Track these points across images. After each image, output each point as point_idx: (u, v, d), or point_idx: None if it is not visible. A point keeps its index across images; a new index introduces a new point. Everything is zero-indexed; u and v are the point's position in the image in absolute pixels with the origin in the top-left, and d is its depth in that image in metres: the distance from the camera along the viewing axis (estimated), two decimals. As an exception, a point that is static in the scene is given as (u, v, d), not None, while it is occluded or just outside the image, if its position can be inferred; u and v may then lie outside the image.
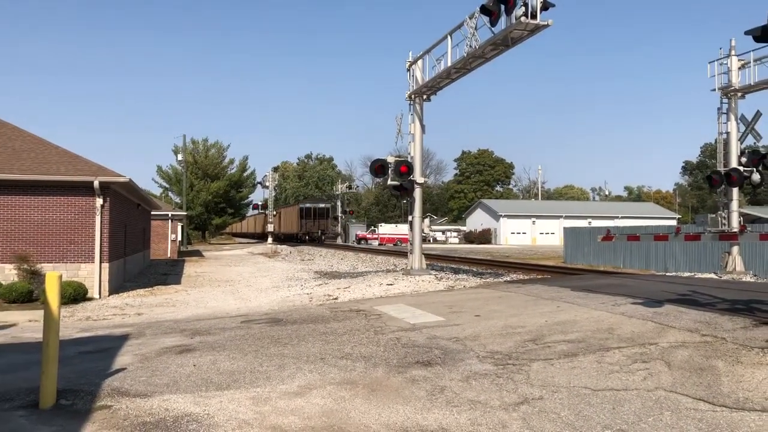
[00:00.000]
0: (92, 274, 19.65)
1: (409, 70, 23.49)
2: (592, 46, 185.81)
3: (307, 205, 64.91)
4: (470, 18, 18.68)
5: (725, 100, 22.95)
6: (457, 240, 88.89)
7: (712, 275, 22.40)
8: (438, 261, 36.62)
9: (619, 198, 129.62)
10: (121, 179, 19.97)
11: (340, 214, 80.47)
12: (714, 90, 23.17)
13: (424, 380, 7.78)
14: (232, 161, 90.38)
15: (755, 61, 21.94)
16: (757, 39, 9.35)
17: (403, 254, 32.38)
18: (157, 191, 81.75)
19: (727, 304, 12.65)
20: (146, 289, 21.98)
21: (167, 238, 45.32)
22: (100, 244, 19.73)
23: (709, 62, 23.29)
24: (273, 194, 63.58)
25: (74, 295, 18.29)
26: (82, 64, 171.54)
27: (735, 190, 22.58)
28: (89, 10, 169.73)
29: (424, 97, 23.05)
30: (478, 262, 36.29)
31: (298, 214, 64.10)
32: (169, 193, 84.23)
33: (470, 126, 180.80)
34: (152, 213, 39.12)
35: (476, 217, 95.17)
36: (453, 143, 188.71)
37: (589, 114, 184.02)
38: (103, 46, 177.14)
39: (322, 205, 62.40)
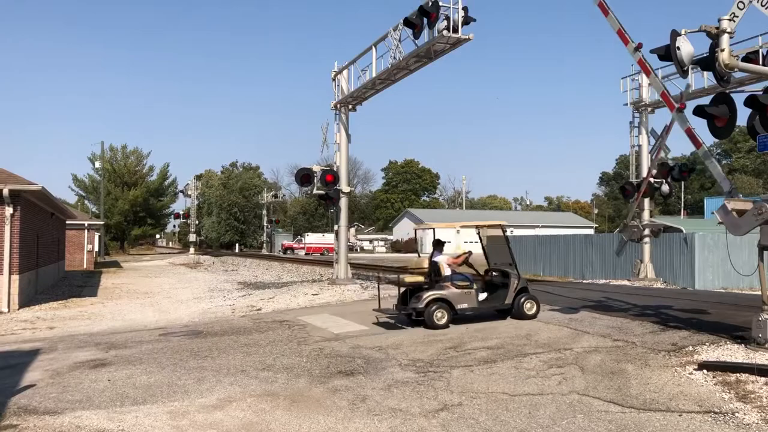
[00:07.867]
0: (1, 286, 18.67)
1: (334, 80, 23.46)
2: (513, 60, 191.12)
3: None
4: (394, 30, 18.84)
5: (636, 115, 24.04)
6: (384, 249, 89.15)
7: (626, 282, 23.38)
8: (364, 270, 36.67)
9: (539, 208, 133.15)
10: (33, 187, 19.09)
11: (265, 224, 79.46)
12: (626, 104, 24.24)
13: (346, 390, 7.79)
14: (152, 168, 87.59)
15: (663, 78, 23.03)
16: (661, 58, 9.89)
17: (330, 264, 32.27)
18: (72, 200, 78.50)
19: (638, 310, 13.25)
20: (60, 302, 21.03)
21: (83, 248, 43.51)
22: (10, 255, 18.77)
23: (622, 78, 24.35)
24: (196, 203, 62.37)
25: (-20, 309, 17.37)
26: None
27: (646, 201, 23.66)
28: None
29: (350, 107, 23.08)
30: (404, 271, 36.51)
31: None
32: (86, 202, 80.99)
33: (397, 136, 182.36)
34: (67, 222, 37.55)
35: (403, 226, 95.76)
36: (380, 153, 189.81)
37: (510, 126, 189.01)
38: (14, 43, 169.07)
39: None
